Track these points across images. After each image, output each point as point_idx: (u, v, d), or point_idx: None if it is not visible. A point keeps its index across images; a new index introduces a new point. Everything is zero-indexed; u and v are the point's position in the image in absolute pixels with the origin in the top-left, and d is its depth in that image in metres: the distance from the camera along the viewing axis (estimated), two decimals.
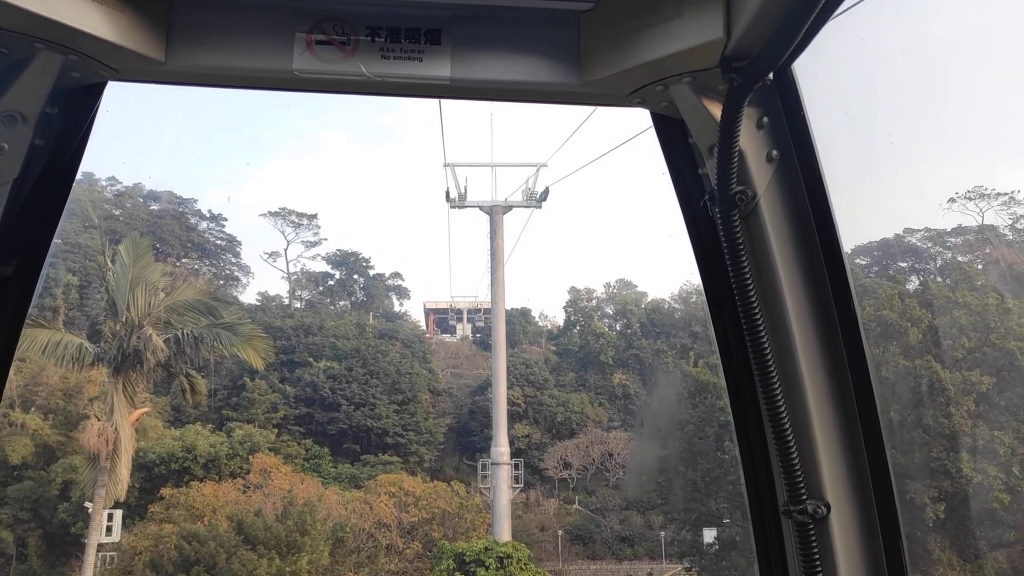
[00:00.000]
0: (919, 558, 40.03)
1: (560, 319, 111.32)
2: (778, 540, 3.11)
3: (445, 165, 54.57)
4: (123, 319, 28.85)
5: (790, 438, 2.88)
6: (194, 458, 56.61)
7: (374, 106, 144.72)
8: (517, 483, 52.01)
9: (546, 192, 53.84)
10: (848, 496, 2.95)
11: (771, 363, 2.88)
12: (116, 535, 49.85)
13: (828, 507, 2.93)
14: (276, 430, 74.95)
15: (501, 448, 49.00)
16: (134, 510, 55.74)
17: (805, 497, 2.91)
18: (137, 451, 59.15)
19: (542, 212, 55.87)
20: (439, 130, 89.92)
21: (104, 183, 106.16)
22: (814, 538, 2.91)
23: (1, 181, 2.82)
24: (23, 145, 2.81)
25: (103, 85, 2.95)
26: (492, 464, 49.31)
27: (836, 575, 2.91)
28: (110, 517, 50.36)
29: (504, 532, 47.52)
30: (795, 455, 2.90)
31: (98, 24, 2.66)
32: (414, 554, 49.69)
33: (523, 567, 44.33)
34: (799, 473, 2.90)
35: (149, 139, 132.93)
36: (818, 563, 2.91)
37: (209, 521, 45.98)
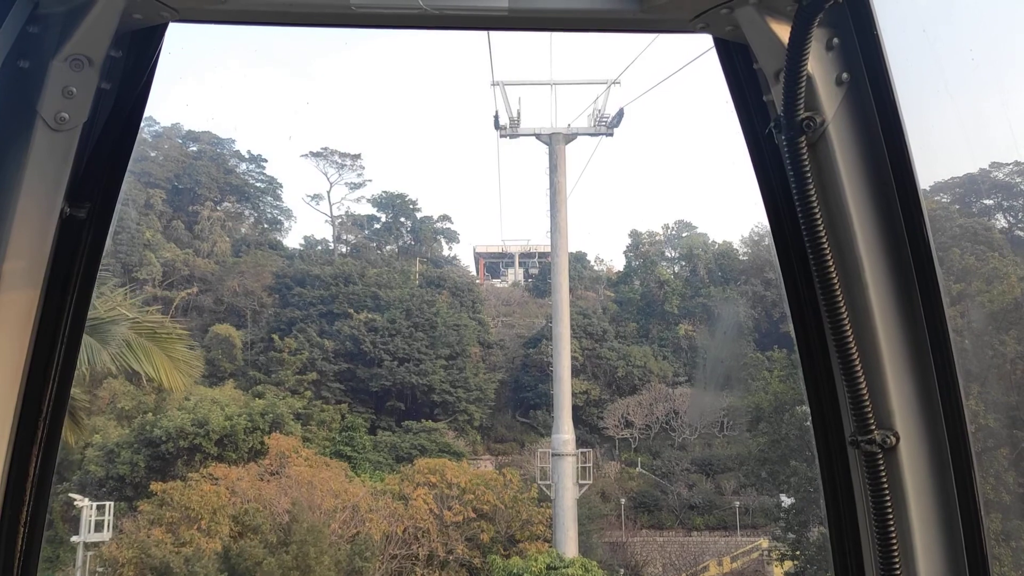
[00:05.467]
0: None
1: (617, 263, 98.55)
2: (845, 471, 2.81)
3: (493, 84, 41.46)
4: None
5: (857, 367, 2.62)
6: (206, 434, 45.67)
7: (421, 45, 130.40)
8: (584, 478, 39.71)
9: (620, 115, 40.36)
10: (918, 426, 2.66)
11: (838, 291, 2.62)
12: (107, 531, 39.23)
13: (897, 437, 2.63)
14: (309, 392, 63.95)
15: (565, 436, 36.79)
16: (140, 492, 45.44)
17: (873, 427, 2.63)
18: (143, 424, 48.75)
19: (612, 141, 42.41)
20: (487, 55, 75.64)
21: (141, 123, 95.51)
22: (882, 468, 2.63)
23: (72, 125, 2.69)
24: (91, 89, 2.68)
25: (164, 27, 2.80)
26: (553, 455, 37.17)
27: (905, 505, 2.64)
28: (100, 510, 39.71)
29: (569, 541, 35.65)
30: (863, 384, 2.63)
31: None
32: (457, 562, 38.16)
33: None
34: (867, 402, 2.63)
35: (203, 82, 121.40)
36: (887, 494, 2.63)
37: (207, 524, 35.01)
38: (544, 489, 39.01)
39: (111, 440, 48.07)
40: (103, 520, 39.61)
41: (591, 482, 41.71)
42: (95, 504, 39.66)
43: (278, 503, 35.96)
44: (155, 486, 38.06)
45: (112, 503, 40.30)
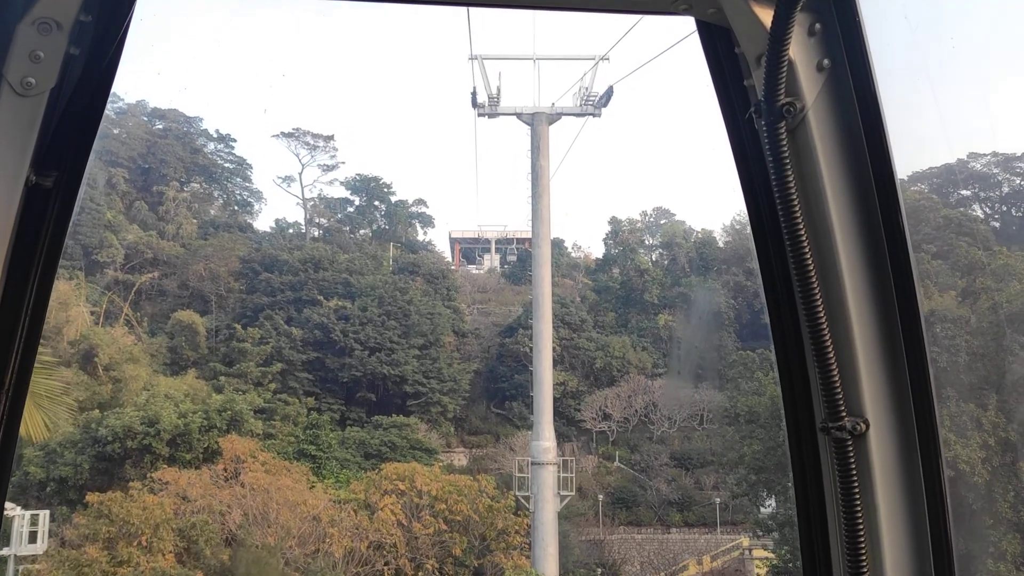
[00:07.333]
0: None
1: (596, 250, 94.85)
2: (814, 457, 2.76)
3: (471, 58, 37.27)
4: None
5: (830, 354, 2.59)
6: (157, 433, 41.34)
7: (397, 16, 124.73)
8: (566, 488, 36.01)
9: (608, 94, 36.40)
10: (888, 413, 2.62)
11: (813, 277, 2.59)
12: (41, 543, 34.94)
13: (867, 424, 2.60)
14: (274, 384, 59.64)
15: (545, 443, 33.06)
16: (83, 496, 41.01)
17: (844, 414, 2.59)
18: (88, 422, 44.32)
19: (595, 121, 38.37)
20: (466, 26, 70.34)
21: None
22: (852, 455, 2.60)
23: (39, 90, 2.56)
24: (59, 54, 2.56)
25: None
26: (533, 464, 33.44)
27: (873, 492, 2.61)
28: (33, 520, 35.38)
29: (549, 559, 32.01)
30: (835, 371, 2.58)
31: None
32: None
33: None
34: (838, 389, 2.61)
35: (173, 53, 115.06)
36: (855, 480, 2.59)
37: (148, 540, 30.92)
38: (523, 501, 35.34)
39: (55, 438, 43.52)
40: (35, 531, 35.32)
41: (573, 493, 38.04)
42: (28, 513, 35.33)
43: (229, 516, 31.97)
44: (91, 497, 33.78)
45: (47, 512, 35.92)
